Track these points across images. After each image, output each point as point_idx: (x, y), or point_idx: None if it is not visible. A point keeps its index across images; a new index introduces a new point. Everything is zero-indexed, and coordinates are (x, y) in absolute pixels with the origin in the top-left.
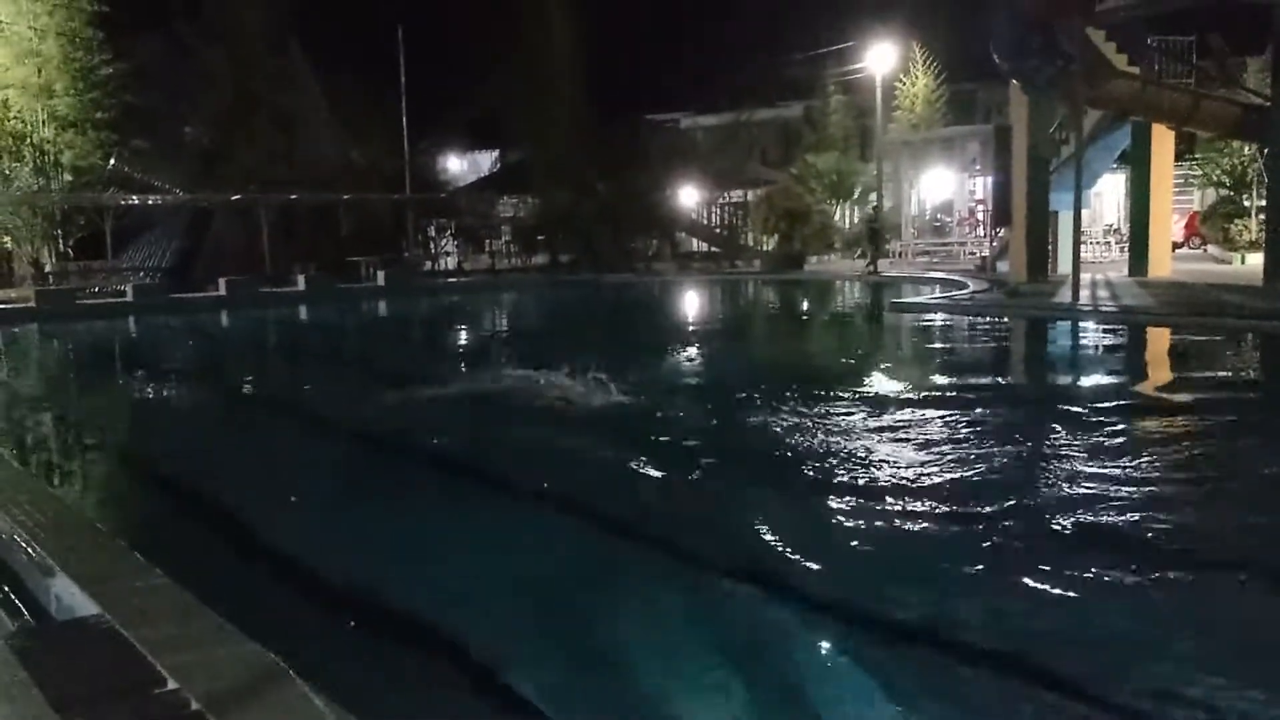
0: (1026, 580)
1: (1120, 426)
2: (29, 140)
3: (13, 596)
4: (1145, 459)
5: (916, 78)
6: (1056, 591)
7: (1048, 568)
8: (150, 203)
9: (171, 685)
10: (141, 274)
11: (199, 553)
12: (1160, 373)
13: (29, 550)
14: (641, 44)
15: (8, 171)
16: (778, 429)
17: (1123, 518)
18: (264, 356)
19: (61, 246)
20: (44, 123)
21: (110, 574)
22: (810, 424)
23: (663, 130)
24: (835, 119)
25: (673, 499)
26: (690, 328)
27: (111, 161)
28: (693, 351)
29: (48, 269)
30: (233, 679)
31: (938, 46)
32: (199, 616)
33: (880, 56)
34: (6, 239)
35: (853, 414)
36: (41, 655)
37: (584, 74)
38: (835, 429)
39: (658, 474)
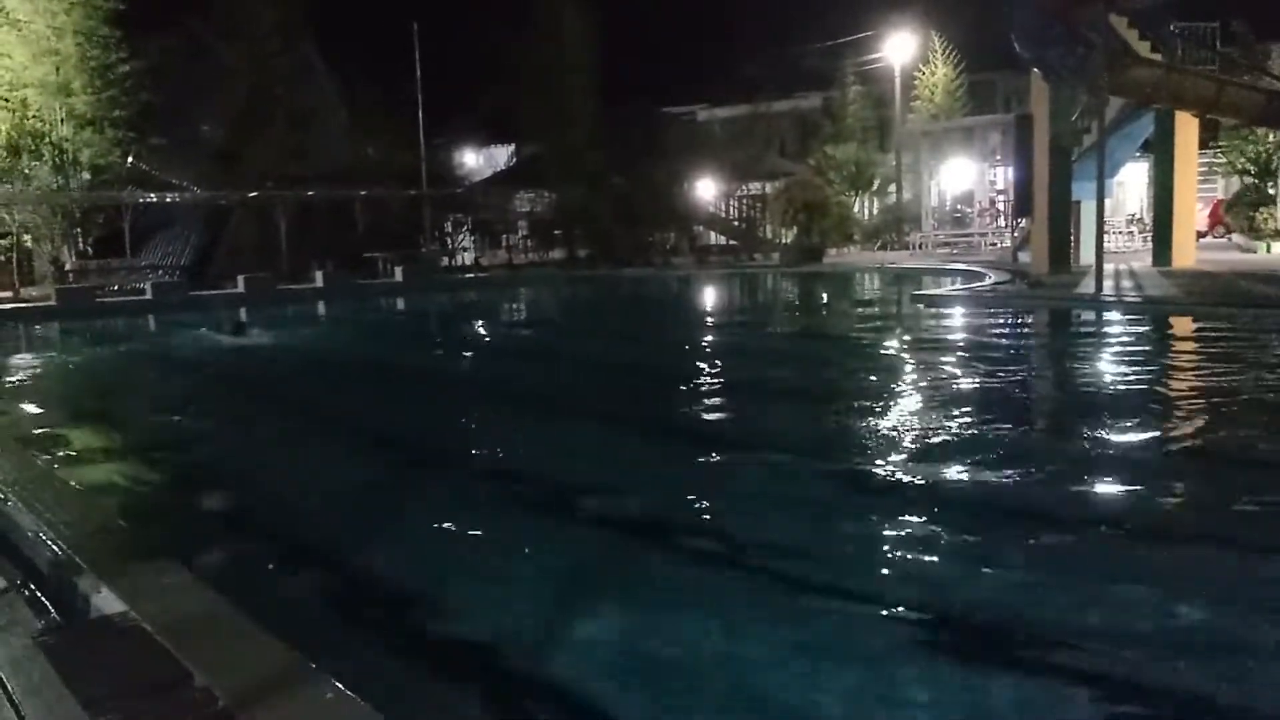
0: None
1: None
2: (48, 139)
3: (40, 595)
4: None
5: (935, 67)
6: None
7: None
8: (168, 200)
9: (199, 682)
10: (160, 272)
11: None
12: (1193, 365)
13: (56, 549)
14: (657, 36)
15: (27, 170)
16: None
17: None
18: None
19: (81, 245)
20: (62, 121)
21: (136, 572)
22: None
23: (679, 123)
24: (854, 110)
25: None
26: (689, 324)
27: (129, 159)
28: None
29: (68, 267)
30: (260, 676)
31: (957, 35)
32: (225, 614)
33: (899, 46)
34: (27, 237)
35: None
36: (69, 653)
37: (599, 67)
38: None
39: None
